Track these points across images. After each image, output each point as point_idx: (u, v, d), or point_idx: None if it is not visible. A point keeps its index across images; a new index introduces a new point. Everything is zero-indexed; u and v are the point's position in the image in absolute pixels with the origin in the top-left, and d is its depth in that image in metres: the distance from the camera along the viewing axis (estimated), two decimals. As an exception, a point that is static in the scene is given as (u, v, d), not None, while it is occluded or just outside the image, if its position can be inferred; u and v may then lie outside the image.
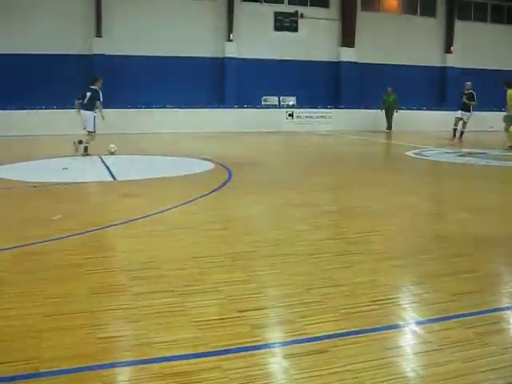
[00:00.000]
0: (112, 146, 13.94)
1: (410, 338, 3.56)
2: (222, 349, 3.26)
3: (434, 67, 27.73)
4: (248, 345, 3.32)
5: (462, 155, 15.05)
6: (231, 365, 3.07)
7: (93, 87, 13.65)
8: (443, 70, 27.78)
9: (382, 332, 3.56)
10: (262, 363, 3.13)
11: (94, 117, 13.64)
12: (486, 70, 27.96)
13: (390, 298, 4.15)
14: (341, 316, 3.77)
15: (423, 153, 15.45)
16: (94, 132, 13.74)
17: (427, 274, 4.76)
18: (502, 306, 4.10)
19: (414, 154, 15.12)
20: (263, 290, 4.30)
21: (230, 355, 3.19)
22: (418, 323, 3.75)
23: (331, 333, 3.50)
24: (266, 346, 3.35)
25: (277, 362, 3.17)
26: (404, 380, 2.98)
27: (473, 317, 3.81)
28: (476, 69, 27.60)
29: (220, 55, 24.10)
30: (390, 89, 23.36)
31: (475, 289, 4.39)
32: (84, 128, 13.78)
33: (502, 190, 9.92)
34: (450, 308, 3.98)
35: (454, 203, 8.53)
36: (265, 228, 6.61)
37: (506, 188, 10.18)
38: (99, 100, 13.57)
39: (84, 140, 13.66)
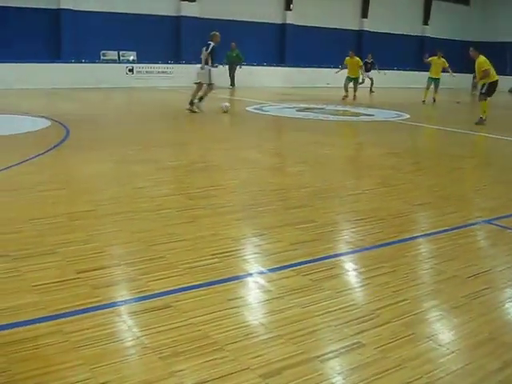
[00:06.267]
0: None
1: (250, 288, 3.68)
2: (62, 312, 3.17)
3: (274, 24, 28.16)
4: (89, 306, 3.25)
5: (301, 110, 15.55)
6: (72, 327, 2.99)
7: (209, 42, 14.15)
8: (283, 27, 28.31)
9: (224, 284, 3.64)
10: (104, 323, 3.08)
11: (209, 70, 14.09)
12: (323, 28, 28.93)
13: (231, 251, 4.24)
14: (183, 271, 3.80)
15: (263, 108, 15.78)
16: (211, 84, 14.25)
17: (266, 226, 4.92)
18: (335, 253, 4.34)
19: (255, 109, 15.40)
20: (104, 249, 4.21)
21: (70, 318, 3.10)
22: (258, 273, 3.88)
23: (174, 288, 3.52)
24: (108, 305, 3.29)
25: (119, 321, 3.13)
26: (246, 329, 3.07)
27: (309, 264, 4.02)
28: (315, 27, 28.48)
29: (55, 7, 22.71)
30: (233, 44, 23.38)
31: (311, 238, 4.62)
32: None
33: (336, 143, 10.42)
34: (288, 257, 4.15)
35: (292, 157, 8.83)
36: (105, 186, 6.44)
37: (340, 141, 10.71)
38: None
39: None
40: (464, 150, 10.46)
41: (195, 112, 13.85)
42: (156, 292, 3.46)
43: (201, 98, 14.17)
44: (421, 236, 4.96)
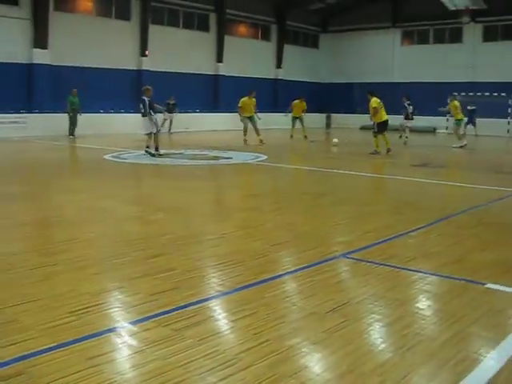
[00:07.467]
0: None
1: (111, 343, 3.56)
2: None
3: (129, 70, 27.97)
4: None
5: (159, 156, 15.51)
6: None
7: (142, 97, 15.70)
8: (139, 73, 28.20)
9: (83, 342, 3.50)
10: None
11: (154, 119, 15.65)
12: (179, 73, 29.24)
13: (90, 307, 4.09)
14: (38, 333, 3.60)
15: (121, 156, 15.56)
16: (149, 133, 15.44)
17: (125, 278, 4.83)
18: (196, 300, 4.31)
19: (112, 157, 15.14)
20: (-51, 318, 3.92)
21: None
22: (119, 328, 3.78)
23: (28, 352, 3.33)
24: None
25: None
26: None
27: (170, 314, 3.97)
28: (169, 72, 28.68)
29: None
30: (74, 90, 22.31)
31: (172, 286, 4.58)
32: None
33: (196, 188, 10.45)
34: (149, 308, 4.08)
35: (150, 204, 8.75)
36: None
37: (199, 186, 10.75)
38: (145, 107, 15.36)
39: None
40: (321, 188, 10.90)
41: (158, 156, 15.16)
42: (8, 359, 3.25)
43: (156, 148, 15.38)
44: (280, 275, 5.06)
